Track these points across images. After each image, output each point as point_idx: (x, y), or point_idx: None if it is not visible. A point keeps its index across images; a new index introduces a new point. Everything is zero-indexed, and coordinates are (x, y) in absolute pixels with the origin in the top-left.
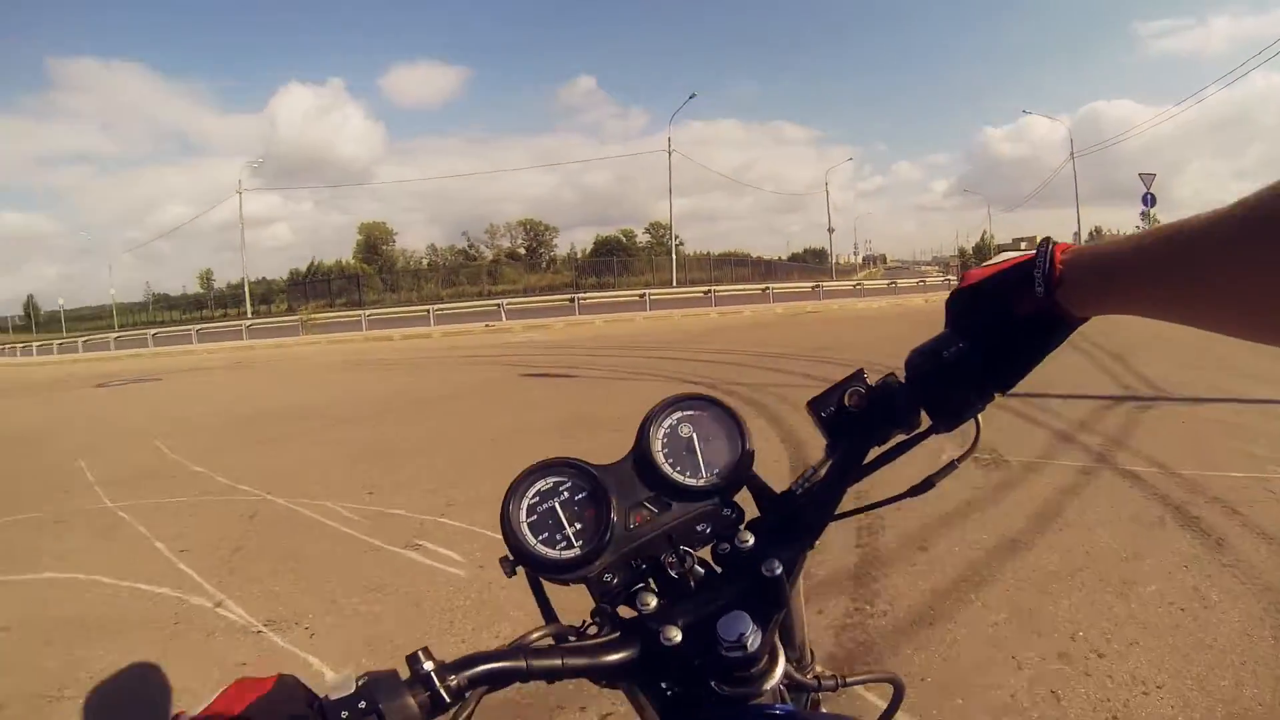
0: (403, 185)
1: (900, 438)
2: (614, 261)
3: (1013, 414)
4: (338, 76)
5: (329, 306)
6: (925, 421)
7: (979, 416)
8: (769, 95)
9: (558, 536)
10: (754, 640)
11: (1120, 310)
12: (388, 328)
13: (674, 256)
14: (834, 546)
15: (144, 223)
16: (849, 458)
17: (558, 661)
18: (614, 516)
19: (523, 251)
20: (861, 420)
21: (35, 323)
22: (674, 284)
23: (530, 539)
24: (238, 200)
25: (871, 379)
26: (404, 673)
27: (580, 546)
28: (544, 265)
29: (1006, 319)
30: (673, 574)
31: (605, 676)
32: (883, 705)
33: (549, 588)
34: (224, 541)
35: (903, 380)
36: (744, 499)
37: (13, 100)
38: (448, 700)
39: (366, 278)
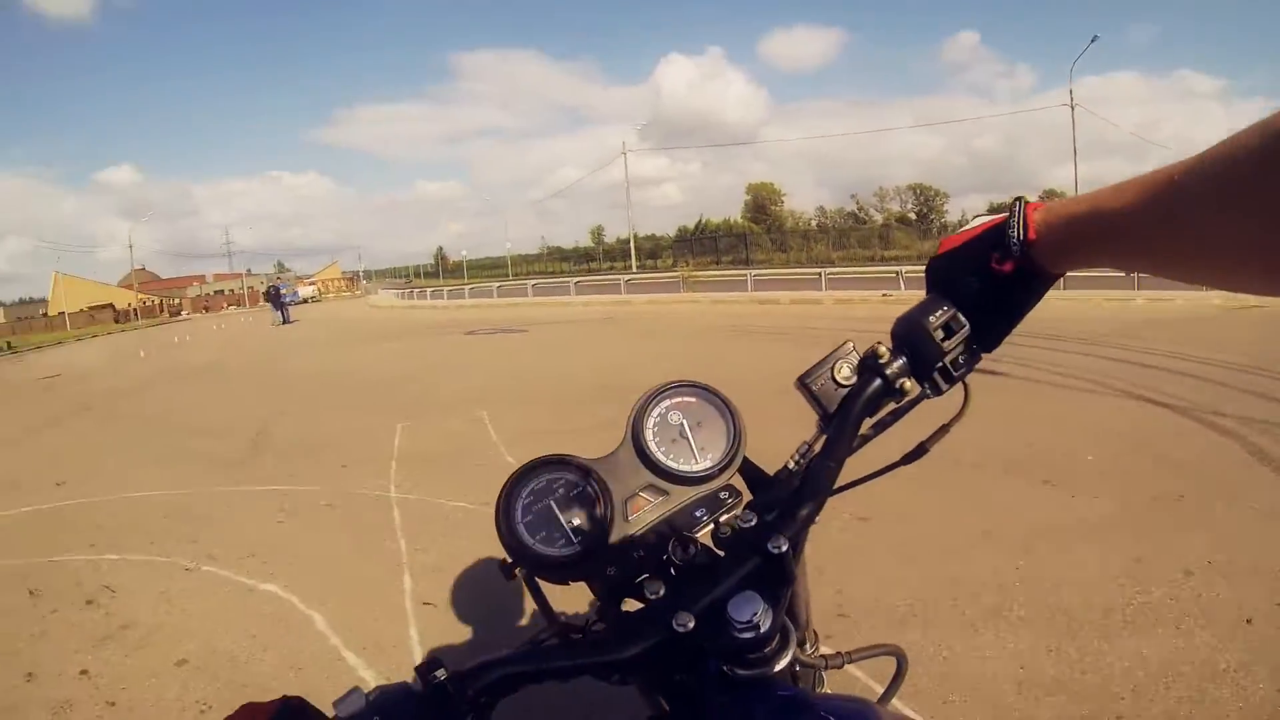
0: (788, 148)
1: (891, 406)
2: None
3: None
4: (716, 45)
5: (715, 264)
6: (915, 388)
7: (967, 379)
8: (1171, 39)
9: (555, 534)
10: (766, 620)
11: (1098, 263)
12: (773, 289)
13: None
14: None
15: (541, 184)
16: (842, 430)
17: (572, 661)
18: (612, 509)
19: (913, 217)
20: (852, 392)
21: (442, 271)
22: None
23: (528, 539)
24: (624, 161)
25: (859, 349)
26: (416, 682)
27: (579, 542)
28: (934, 231)
29: (985, 280)
30: (677, 561)
31: (621, 671)
32: (874, 684)
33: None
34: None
35: (889, 348)
36: (739, 482)
37: (424, 91)
38: (464, 710)
39: (754, 237)
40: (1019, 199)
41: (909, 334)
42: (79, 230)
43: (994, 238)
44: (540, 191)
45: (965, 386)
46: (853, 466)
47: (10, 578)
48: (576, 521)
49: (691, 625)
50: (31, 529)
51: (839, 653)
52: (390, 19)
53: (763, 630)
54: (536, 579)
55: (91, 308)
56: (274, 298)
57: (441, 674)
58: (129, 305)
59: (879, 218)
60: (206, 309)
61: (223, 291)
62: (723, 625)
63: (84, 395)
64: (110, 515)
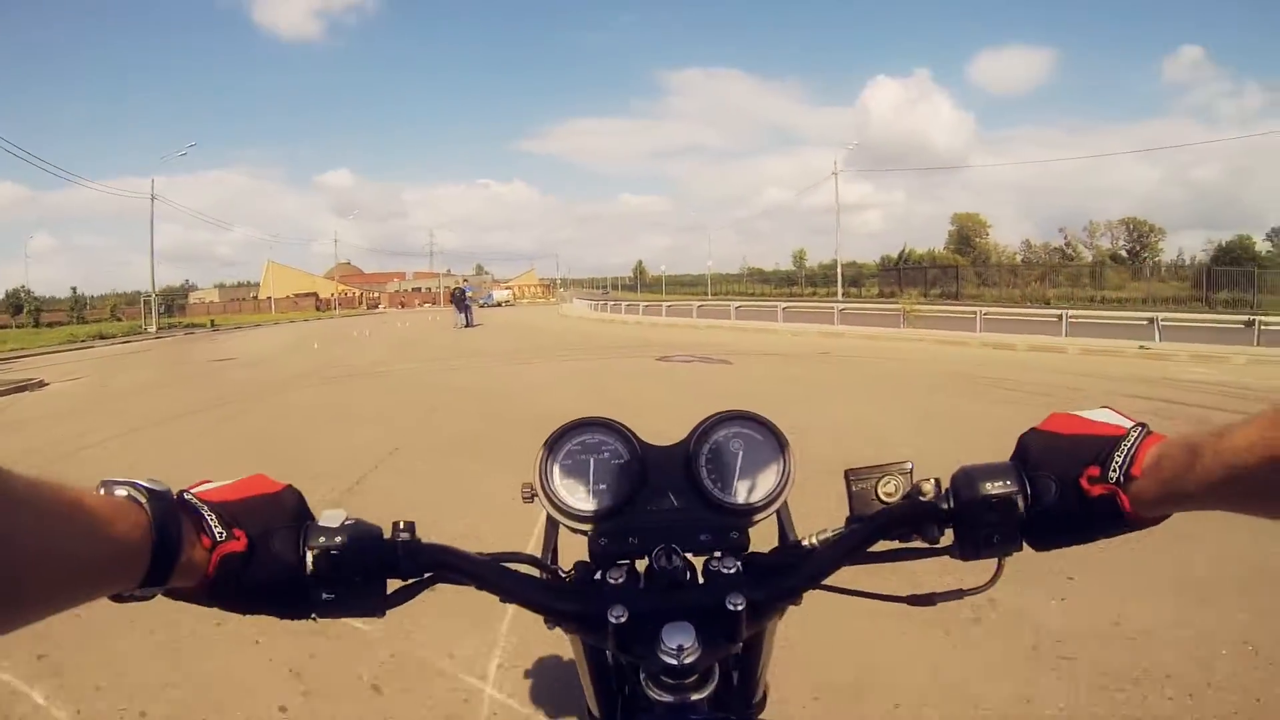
0: (993, 178)
1: (918, 543)
2: (1239, 273)
3: None
4: (923, 67)
5: (923, 296)
6: (945, 542)
7: (1003, 559)
8: None
9: (580, 487)
10: (691, 656)
11: (1199, 508)
12: (1003, 329)
13: None
14: None
15: (744, 203)
16: (857, 540)
17: (513, 585)
18: (638, 493)
19: (1123, 254)
20: (885, 511)
21: (640, 284)
22: None
23: (557, 477)
24: (832, 184)
25: (919, 475)
26: (388, 533)
27: (595, 504)
28: (1148, 271)
29: (1066, 489)
30: (654, 564)
31: (548, 615)
32: None
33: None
34: None
35: (944, 490)
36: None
37: (631, 106)
38: (402, 569)
39: (961, 270)
40: (1141, 425)
41: (963, 489)
42: (298, 225)
43: (1100, 454)
44: (743, 211)
45: (999, 565)
46: (864, 576)
47: None
48: (602, 487)
49: (623, 619)
50: None
51: None
52: (602, 36)
53: (685, 662)
54: (549, 513)
55: (296, 295)
56: (459, 300)
57: (406, 536)
58: (330, 295)
59: (1088, 254)
60: (402, 304)
61: (420, 289)
62: (655, 639)
63: (237, 385)
64: None
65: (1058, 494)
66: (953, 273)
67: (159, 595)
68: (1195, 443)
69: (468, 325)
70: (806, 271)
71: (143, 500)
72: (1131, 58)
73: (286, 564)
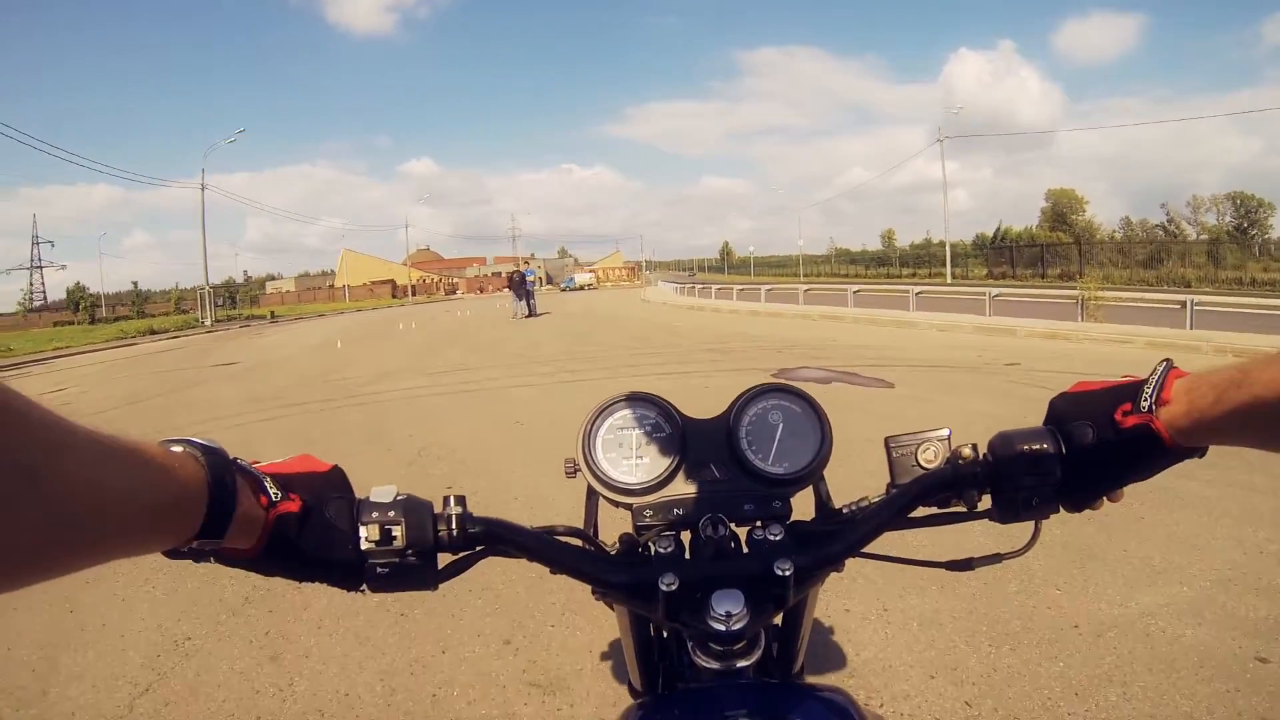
0: (1083, 153)
1: (957, 508)
2: None
3: None
4: (1007, 39)
5: (1040, 279)
6: (983, 505)
7: (1040, 523)
8: None
9: (623, 460)
10: (740, 622)
11: (1234, 441)
12: (1218, 326)
13: None
14: None
15: (827, 183)
16: (898, 505)
17: (564, 557)
18: (681, 466)
19: (1229, 230)
20: (924, 477)
21: (727, 266)
22: None
23: (600, 451)
24: (916, 163)
25: (957, 441)
26: (439, 508)
27: (639, 476)
28: (1257, 251)
29: (1103, 431)
30: (701, 534)
31: (599, 587)
32: None
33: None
34: None
35: (982, 456)
36: (806, 497)
37: (708, 88)
38: (454, 542)
39: (1063, 248)
40: (1166, 360)
41: (1000, 452)
42: (383, 215)
43: (1129, 393)
44: (827, 191)
45: (1036, 527)
46: (903, 541)
47: None
48: (646, 459)
49: (674, 587)
50: None
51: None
52: (675, 19)
53: (734, 628)
54: (592, 486)
55: (373, 283)
56: (516, 285)
57: (458, 509)
58: (408, 282)
59: (1191, 231)
60: (481, 290)
61: (499, 274)
62: (702, 607)
63: (186, 408)
64: None
65: (1094, 435)
66: (1065, 250)
67: (213, 561)
68: (1223, 377)
69: (530, 314)
70: (899, 252)
71: (199, 456)
72: (1223, 23)
73: (341, 531)
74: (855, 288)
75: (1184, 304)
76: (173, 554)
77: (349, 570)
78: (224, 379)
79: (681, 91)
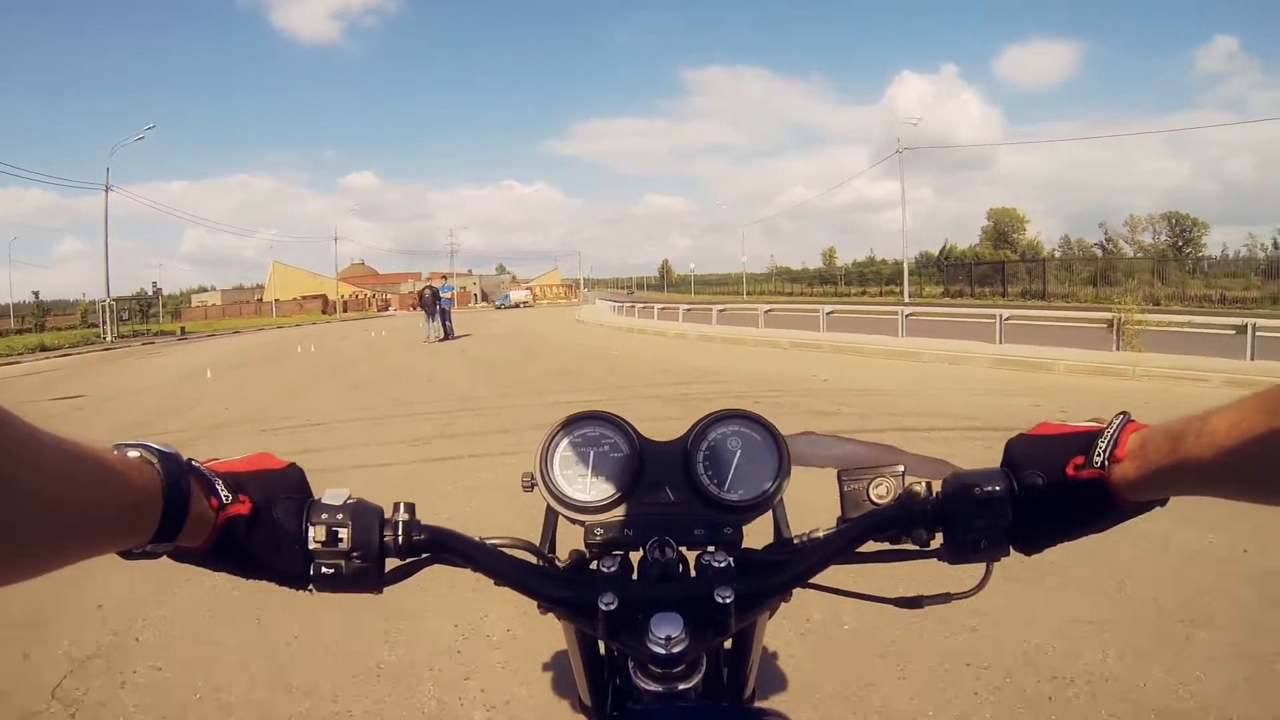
0: (1021, 174)
1: (907, 545)
2: None
3: None
4: (949, 62)
5: (1000, 296)
6: (933, 544)
7: (991, 564)
8: None
9: (580, 478)
10: (679, 645)
11: (1194, 492)
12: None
13: None
14: None
15: (770, 202)
16: (847, 539)
17: (507, 569)
18: (636, 486)
19: (1165, 250)
20: (875, 513)
21: (667, 284)
22: None
23: (558, 467)
24: (858, 183)
25: (911, 478)
26: (389, 513)
27: (592, 494)
28: (1189, 268)
29: (1055, 481)
30: (649, 556)
31: (540, 599)
32: None
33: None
34: None
35: (929, 494)
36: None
37: (655, 105)
38: (400, 548)
39: (1009, 265)
40: (1123, 414)
41: (951, 492)
42: (322, 228)
43: (1084, 444)
44: (768, 209)
45: (987, 569)
46: (850, 575)
47: None
48: (601, 478)
49: (612, 607)
50: None
51: (765, 711)
52: (624, 35)
53: (672, 650)
54: (547, 501)
55: (303, 297)
56: (428, 303)
57: (405, 516)
58: (340, 297)
59: (1128, 250)
60: (414, 306)
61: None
62: (643, 629)
63: None
64: None
65: (1044, 485)
66: (1014, 268)
67: (166, 557)
68: (1179, 427)
69: (444, 337)
70: (845, 270)
71: (154, 461)
72: (1158, 50)
73: (288, 532)
74: (828, 308)
75: (1242, 328)
76: (126, 555)
77: (293, 571)
78: (40, 421)
79: (627, 109)
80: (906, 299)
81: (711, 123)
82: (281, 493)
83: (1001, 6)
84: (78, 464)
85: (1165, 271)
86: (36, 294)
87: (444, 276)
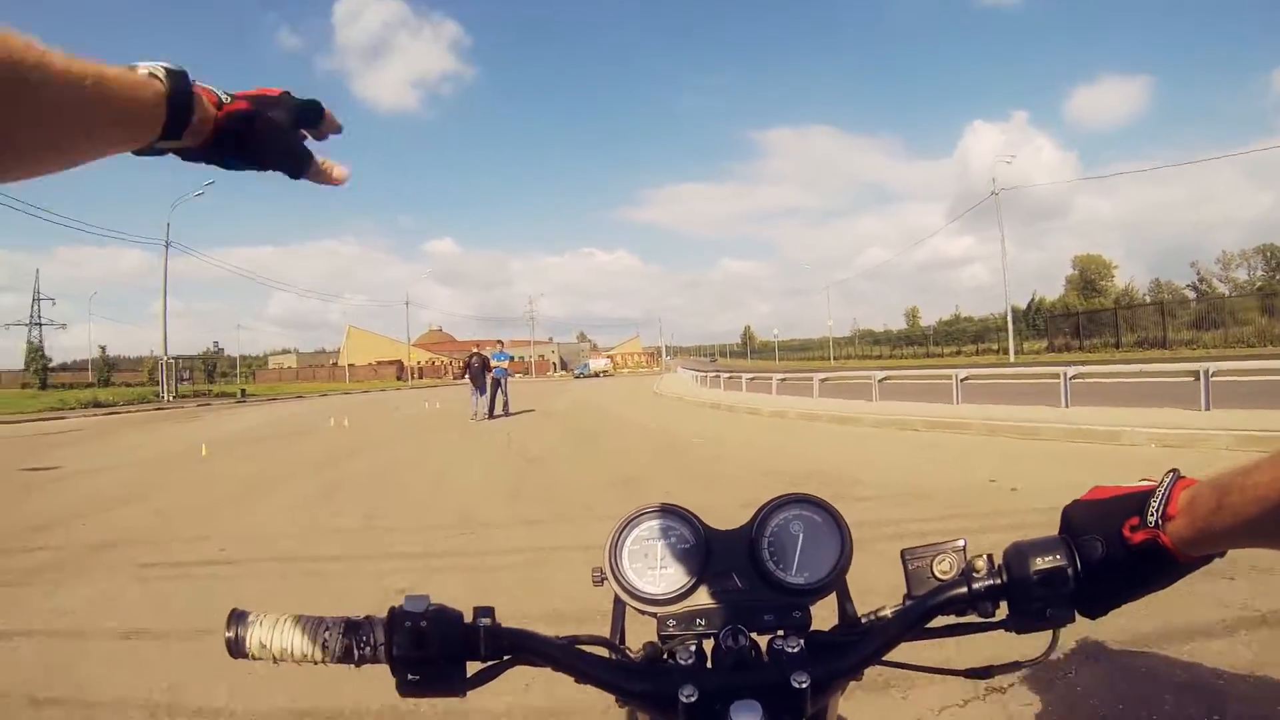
0: (1099, 218)
1: (973, 618)
2: None
3: None
4: (1020, 109)
5: (1114, 349)
6: (999, 615)
7: (1058, 630)
8: None
9: (649, 570)
10: None
11: (1245, 544)
12: None
13: None
14: None
15: (847, 264)
16: (915, 616)
17: (588, 667)
18: (704, 576)
19: (1259, 286)
20: (939, 588)
21: (750, 350)
22: None
23: (626, 561)
24: (932, 242)
25: (972, 552)
26: (468, 618)
27: (663, 586)
28: None
29: (1113, 546)
30: (723, 644)
31: (621, 696)
32: None
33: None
34: None
35: (991, 566)
36: (830, 604)
37: (725, 169)
38: (484, 654)
39: (1113, 313)
40: (1172, 471)
41: (1014, 565)
42: (403, 294)
43: (1137, 505)
44: (845, 271)
45: (1055, 634)
46: (921, 650)
47: None
48: (670, 570)
49: (693, 699)
50: None
51: None
52: (690, 98)
53: None
54: (618, 595)
55: (378, 362)
56: (476, 374)
57: (488, 621)
58: (415, 364)
59: (1223, 288)
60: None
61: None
62: (722, 718)
63: None
64: None
65: (1104, 550)
66: (1105, 317)
67: (172, 155)
68: (1225, 482)
69: (492, 414)
70: (934, 330)
71: (160, 75)
72: (1230, 76)
73: (281, 126)
74: (962, 373)
75: None
76: (140, 152)
77: (290, 157)
78: None
79: (699, 173)
80: (1013, 357)
81: (782, 185)
82: (278, 102)
83: (1063, 49)
84: (87, 72)
85: (1276, 308)
86: (103, 349)
87: (499, 343)
